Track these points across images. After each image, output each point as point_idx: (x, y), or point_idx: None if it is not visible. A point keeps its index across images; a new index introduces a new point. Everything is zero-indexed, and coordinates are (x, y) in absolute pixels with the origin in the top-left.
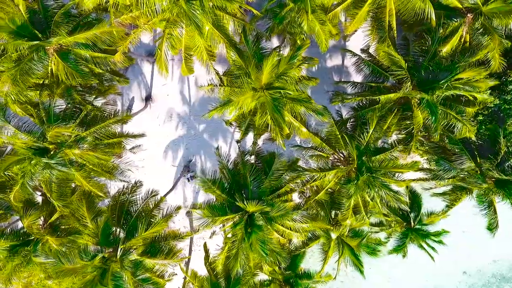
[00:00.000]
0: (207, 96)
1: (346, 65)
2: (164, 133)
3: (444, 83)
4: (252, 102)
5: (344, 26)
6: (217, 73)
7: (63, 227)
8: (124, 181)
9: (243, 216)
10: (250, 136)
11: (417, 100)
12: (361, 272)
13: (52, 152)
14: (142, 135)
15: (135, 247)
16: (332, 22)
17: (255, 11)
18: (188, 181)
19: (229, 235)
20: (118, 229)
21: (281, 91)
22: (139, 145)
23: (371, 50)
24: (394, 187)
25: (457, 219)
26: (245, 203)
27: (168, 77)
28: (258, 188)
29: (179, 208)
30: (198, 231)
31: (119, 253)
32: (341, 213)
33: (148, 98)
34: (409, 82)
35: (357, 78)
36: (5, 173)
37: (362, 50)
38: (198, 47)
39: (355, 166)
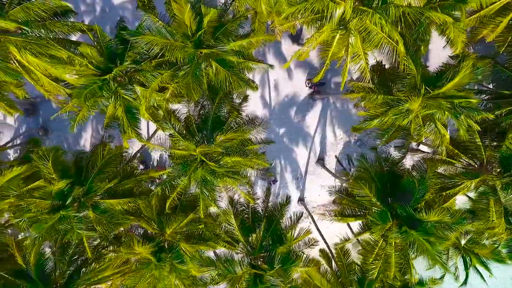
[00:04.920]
0: (288, 100)
1: None
2: None
3: None
4: (423, 110)
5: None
6: (372, 80)
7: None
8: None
9: (397, 225)
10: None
11: None
12: (484, 279)
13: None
14: (272, 142)
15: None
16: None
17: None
18: (270, 185)
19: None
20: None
21: (457, 100)
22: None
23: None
24: None
25: None
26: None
27: None
28: (422, 197)
29: (301, 216)
30: (349, 239)
31: (276, 262)
32: (486, 222)
33: None
34: None
35: None
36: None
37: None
38: (358, 55)
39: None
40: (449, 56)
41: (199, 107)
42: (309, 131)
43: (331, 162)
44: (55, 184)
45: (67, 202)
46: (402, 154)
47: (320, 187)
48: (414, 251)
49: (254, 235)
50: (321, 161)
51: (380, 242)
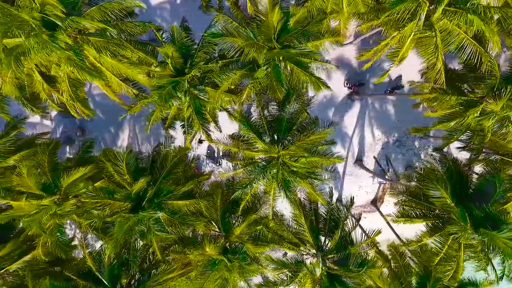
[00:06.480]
0: (326, 101)
1: None
2: None
3: None
4: (503, 112)
5: None
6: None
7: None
8: None
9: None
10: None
11: None
12: None
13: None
14: (334, 142)
15: None
16: None
17: None
18: None
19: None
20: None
21: None
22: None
23: None
24: None
25: None
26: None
27: None
28: (502, 198)
29: (360, 216)
30: (417, 242)
31: (352, 264)
32: None
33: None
34: None
35: None
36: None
37: None
38: (436, 55)
39: None
40: None
41: (260, 108)
42: (347, 132)
43: (369, 163)
44: (134, 184)
45: (143, 203)
46: (474, 155)
47: (358, 188)
48: (496, 253)
49: (322, 237)
50: (359, 161)
51: (448, 242)
